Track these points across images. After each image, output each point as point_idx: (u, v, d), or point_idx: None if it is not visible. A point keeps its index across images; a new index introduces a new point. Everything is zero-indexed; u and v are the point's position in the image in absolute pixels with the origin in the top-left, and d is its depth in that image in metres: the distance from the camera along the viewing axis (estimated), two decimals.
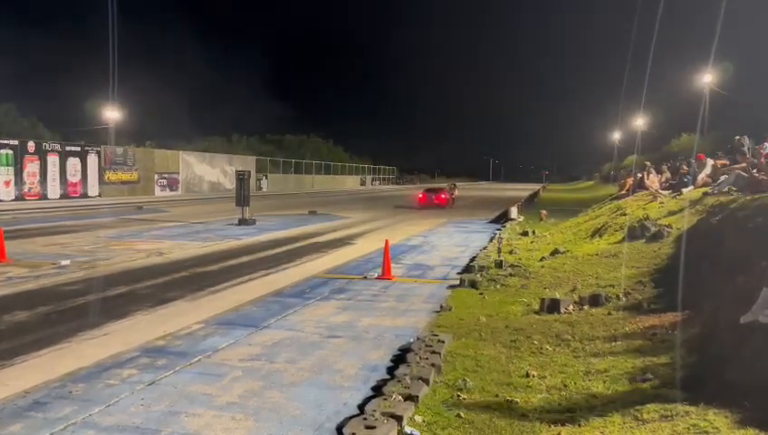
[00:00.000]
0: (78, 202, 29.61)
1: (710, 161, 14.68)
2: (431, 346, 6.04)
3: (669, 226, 10.72)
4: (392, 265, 11.09)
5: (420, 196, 32.09)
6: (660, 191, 16.26)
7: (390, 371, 5.62)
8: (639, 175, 19.14)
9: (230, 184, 41.54)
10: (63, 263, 11.25)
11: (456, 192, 37.28)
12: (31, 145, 29.82)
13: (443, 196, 31.62)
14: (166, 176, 40.26)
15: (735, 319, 5.04)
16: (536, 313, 7.79)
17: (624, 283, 8.48)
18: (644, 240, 10.62)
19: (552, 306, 7.78)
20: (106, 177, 34.74)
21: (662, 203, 14.22)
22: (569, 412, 4.58)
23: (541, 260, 11.74)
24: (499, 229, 19.44)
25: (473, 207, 34.05)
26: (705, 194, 12.12)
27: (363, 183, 78.34)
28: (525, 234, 17.31)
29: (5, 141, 28.55)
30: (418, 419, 4.54)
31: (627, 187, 21.03)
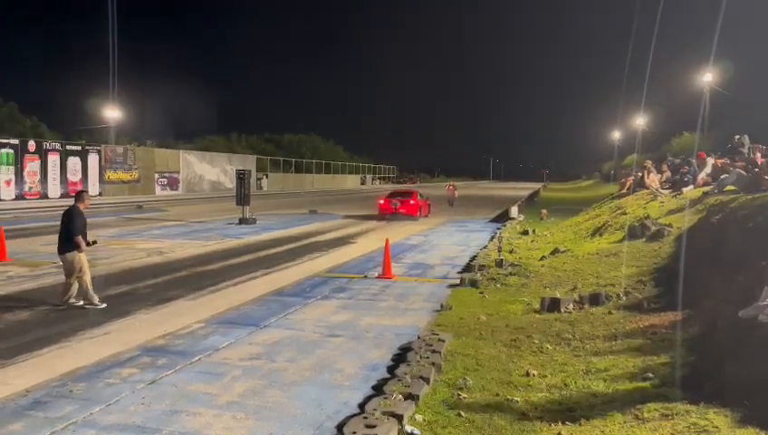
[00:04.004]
0: None
1: (710, 160, 14.65)
2: (431, 345, 6.05)
3: (669, 225, 10.71)
4: (392, 264, 11.10)
5: (381, 202, 23.45)
6: (661, 190, 16.24)
7: (391, 370, 5.63)
8: (640, 174, 19.11)
9: (230, 183, 41.53)
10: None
11: (457, 193, 34.00)
12: (31, 144, 29.82)
13: (411, 202, 23.20)
14: (166, 175, 40.26)
15: (736, 318, 5.05)
16: (536, 312, 7.80)
17: (624, 282, 8.48)
18: (644, 239, 10.61)
19: (553, 305, 7.78)
20: (106, 176, 34.75)
21: (662, 202, 14.20)
22: (569, 411, 4.58)
23: (541, 259, 11.74)
24: (499, 228, 19.44)
25: (473, 206, 34.02)
26: (706, 193, 12.11)
27: (363, 182, 78.32)
28: (526, 233, 17.32)
29: (6, 140, 28.57)
30: (419, 418, 4.54)
31: (627, 186, 20.99)
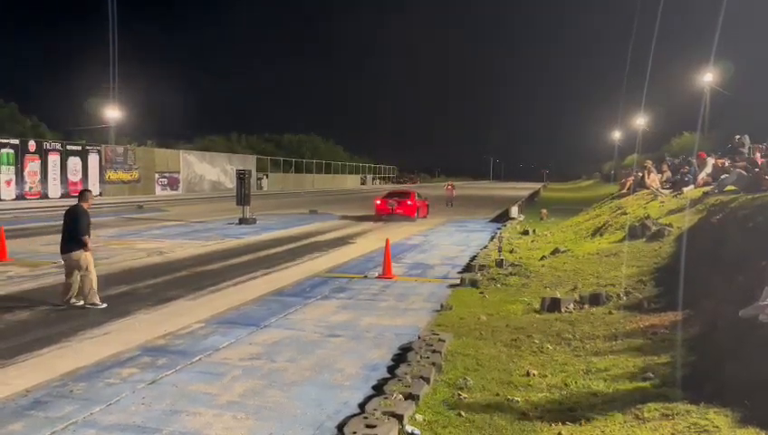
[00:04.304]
0: None
1: (711, 160, 14.66)
2: (432, 345, 6.04)
3: (670, 225, 10.71)
4: (392, 264, 11.09)
5: (378, 203, 22.82)
6: (661, 190, 16.24)
7: (391, 370, 5.63)
8: (640, 174, 19.12)
9: (230, 183, 41.53)
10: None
11: (455, 192, 34.08)
12: (32, 144, 29.81)
13: (408, 203, 22.57)
14: (166, 175, 40.26)
15: (736, 318, 5.05)
16: (537, 312, 7.79)
17: (624, 282, 8.48)
18: (644, 239, 10.61)
19: (553, 305, 7.78)
20: (107, 176, 34.75)
21: (662, 202, 14.20)
22: (570, 411, 4.58)
23: (541, 259, 11.73)
24: (499, 228, 19.44)
25: (473, 206, 34.02)
26: (706, 193, 12.11)
27: (364, 182, 78.32)
28: (526, 233, 17.32)
29: (6, 141, 28.56)
30: (419, 418, 4.54)
31: (627, 186, 20.99)
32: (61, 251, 8.11)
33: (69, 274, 8.04)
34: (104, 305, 7.99)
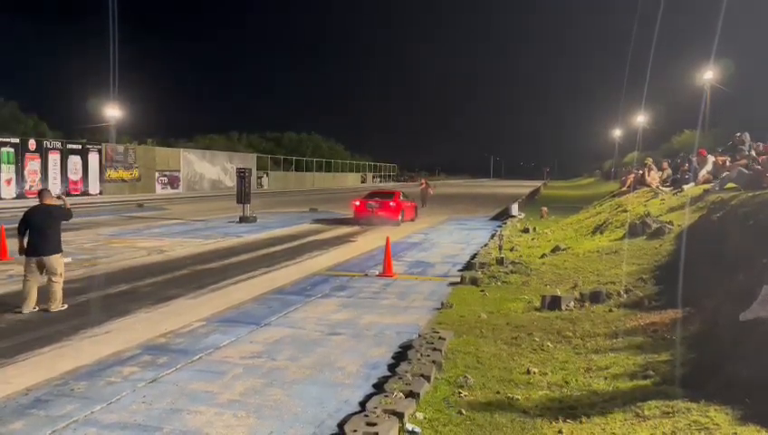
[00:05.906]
0: (79, 200, 29.57)
1: (711, 158, 14.64)
2: (432, 343, 6.04)
3: (670, 222, 10.70)
4: (393, 262, 11.09)
5: (357, 204, 20.35)
6: (661, 188, 16.23)
7: (391, 368, 5.63)
8: (640, 172, 19.10)
9: (231, 182, 41.57)
10: (64, 260, 11.23)
11: (432, 190, 30.76)
12: (32, 143, 29.82)
13: (391, 204, 20.19)
14: (167, 174, 40.27)
15: (736, 316, 5.04)
16: (537, 310, 7.79)
17: (625, 280, 8.47)
18: (645, 237, 10.61)
19: (553, 303, 7.78)
20: (107, 175, 34.75)
21: (663, 200, 14.19)
22: (570, 409, 4.59)
23: (542, 257, 11.73)
24: (500, 226, 19.43)
25: (473, 204, 34.01)
26: (707, 191, 12.11)
27: (364, 180, 78.33)
28: (526, 231, 17.30)
29: (7, 139, 28.56)
30: (420, 416, 4.55)
31: (628, 183, 20.96)
32: (43, 252, 7.78)
33: (34, 278, 7.74)
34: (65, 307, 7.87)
